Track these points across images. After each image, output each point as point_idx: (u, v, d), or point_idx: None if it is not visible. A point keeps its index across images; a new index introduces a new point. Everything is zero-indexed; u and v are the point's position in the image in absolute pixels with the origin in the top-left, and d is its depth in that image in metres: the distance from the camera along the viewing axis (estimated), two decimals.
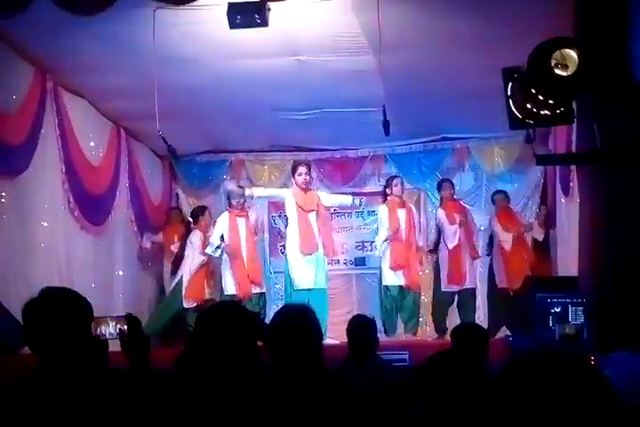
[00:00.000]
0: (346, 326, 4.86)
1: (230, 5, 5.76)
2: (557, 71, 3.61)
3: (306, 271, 8.19)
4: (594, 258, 5.40)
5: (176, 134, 8.01)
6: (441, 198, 9.28)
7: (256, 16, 5.80)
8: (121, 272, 8.92)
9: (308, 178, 8.34)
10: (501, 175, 10.18)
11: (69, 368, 2.21)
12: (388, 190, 8.83)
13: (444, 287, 8.82)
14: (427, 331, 9.41)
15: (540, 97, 3.67)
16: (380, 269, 8.84)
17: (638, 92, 4.67)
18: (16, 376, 2.28)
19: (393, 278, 8.60)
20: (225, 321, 2.32)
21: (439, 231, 9.05)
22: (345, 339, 4.83)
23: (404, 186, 8.96)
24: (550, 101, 3.68)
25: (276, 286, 9.82)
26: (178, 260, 8.89)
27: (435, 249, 9.05)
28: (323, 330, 4.18)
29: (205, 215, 9.01)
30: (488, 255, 9.17)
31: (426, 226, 10.15)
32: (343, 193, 10.52)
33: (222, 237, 8.42)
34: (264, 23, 5.88)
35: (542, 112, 3.78)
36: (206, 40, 6.66)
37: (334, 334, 7.23)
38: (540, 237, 9.23)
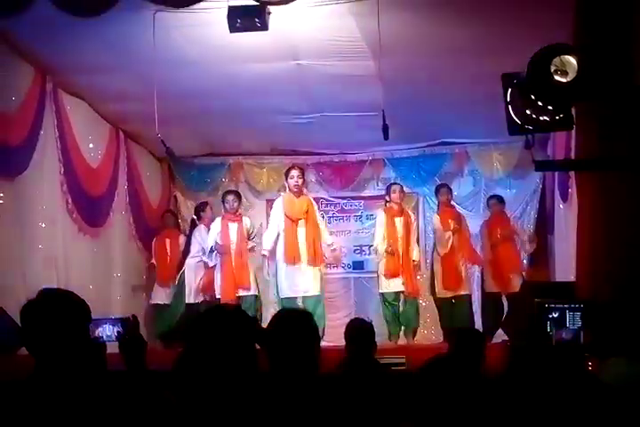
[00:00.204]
0: (344, 330, 4.86)
1: (230, 9, 5.77)
2: (557, 77, 3.61)
3: (292, 280, 8.21)
4: (591, 264, 5.41)
5: (175, 137, 8.03)
6: (438, 203, 9.29)
7: (256, 20, 5.81)
8: (119, 274, 8.91)
9: (300, 182, 8.35)
10: (500, 181, 10.20)
11: (67, 370, 2.21)
12: (387, 197, 8.87)
13: (439, 293, 8.84)
14: (425, 335, 9.41)
15: (540, 103, 3.67)
16: (377, 275, 8.85)
17: (638, 98, 4.68)
18: (13, 377, 2.28)
19: (389, 285, 8.60)
20: (222, 324, 2.32)
21: (434, 237, 9.10)
22: (342, 342, 4.83)
23: (404, 193, 8.95)
24: (549, 107, 3.68)
25: (275, 290, 9.79)
26: (183, 255, 9.07)
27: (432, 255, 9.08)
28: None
29: (207, 211, 9.24)
30: None
31: (424, 231, 10.17)
32: (342, 197, 10.58)
33: (216, 243, 8.48)
34: (264, 27, 5.90)
35: (541, 118, 3.78)
36: (206, 43, 6.67)
37: (332, 338, 7.22)
38: (527, 251, 9.20)
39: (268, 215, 10.17)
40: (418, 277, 8.94)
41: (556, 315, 5.61)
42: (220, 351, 2.24)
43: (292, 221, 8.34)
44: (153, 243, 9.63)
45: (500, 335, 8.51)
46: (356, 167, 10.61)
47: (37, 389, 2.18)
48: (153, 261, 9.56)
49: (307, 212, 8.35)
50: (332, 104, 8.48)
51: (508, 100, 3.92)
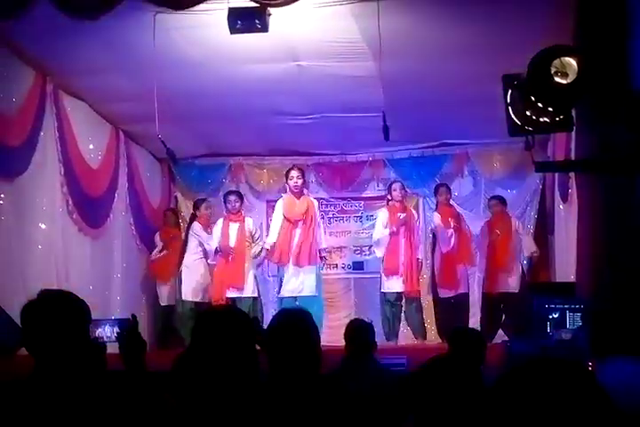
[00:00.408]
0: (344, 330, 4.87)
1: (231, 10, 5.78)
2: (557, 79, 3.62)
3: (290, 279, 8.23)
4: (592, 264, 5.41)
5: (175, 138, 8.03)
6: (437, 203, 9.29)
7: (256, 21, 5.82)
8: (119, 275, 8.92)
9: (299, 182, 8.38)
10: (500, 181, 10.19)
11: (67, 371, 2.22)
12: (389, 196, 8.87)
13: (441, 293, 8.85)
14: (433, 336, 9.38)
15: (540, 104, 3.68)
16: (380, 275, 8.85)
17: (638, 100, 4.68)
18: (13, 377, 2.29)
19: (390, 285, 8.60)
20: (223, 325, 2.33)
21: (434, 235, 9.09)
22: (342, 343, 4.83)
23: (405, 191, 8.96)
24: (550, 109, 3.69)
25: (274, 290, 9.80)
26: (181, 253, 9.05)
27: (432, 253, 9.08)
28: None
29: (202, 208, 9.13)
30: None
31: (424, 231, 10.16)
32: (342, 198, 10.57)
33: (219, 244, 8.53)
34: (264, 28, 5.90)
35: (542, 119, 3.79)
36: (207, 45, 6.68)
37: (332, 338, 7.23)
38: (532, 253, 9.19)
39: (268, 216, 10.19)
40: (420, 278, 8.87)
41: (556, 315, 5.62)
42: (219, 352, 2.25)
43: (289, 222, 8.36)
44: (155, 238, 9.66)
45: (500, 336, 8.52)
46: (356, 168, 10.60)
47: (37, 389, 2.18)
48: (152, 257, 9.56)
49: (306, 213, 8.36)
50: (333, 105, 8.48)
51: (509, 101, 3.93)
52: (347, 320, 5.63)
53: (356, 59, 7.04)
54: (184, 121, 8.59)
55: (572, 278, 6.28)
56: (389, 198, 8.89)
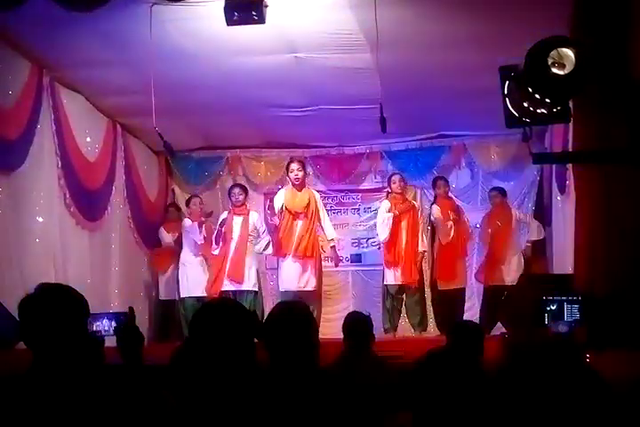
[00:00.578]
0: (342, 323, 4.87)
1: (227, 2, 5.77)
2: (554, 70, 3.61)
3: (291, 273, 8.24)
4: (589, 256, 5.42)
5: (172, 130, 8.02)
6: (435, 196, 9.29)
7: (253, 13, 5.80)
8: (117, 268, 8.91)
9: (300, 174, 8.37)
10: (497, 173, 10.18)
11: (65, 365, 2.22)
12: (388, 188, 8.89)
13: (440, 285, 8.86)
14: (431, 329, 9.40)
15: (537, 96, 3.67)
16: (381, 267, 8.87)
17: (635, 91, 4.68)
18: (12, 371, 2.28)
19: (392, 277, 8.61)
20: (221, 318, 2.32)
21: (433, 228, 9.09)
22: (340, 335, 4.84)
23: (405, 183, 8.95)
24: (547, 100, 3.68)
25: (272, 283, 9.81)
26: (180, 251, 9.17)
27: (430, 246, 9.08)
28: None
29: (191, 204, 9.29)
30: None
31: (423, 223, 10.15)
32: (339, 190, 10.57)
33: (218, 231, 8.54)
34: (261, 20, 5.89)
35: (539, 111, 3.78)
36: (203, 36, 6.66)
37: (330, 331, 7.24)
38: (536, 237, 9.20)
39: (265, 208, 10.19)
40: (416, 269, 8.84)
41: (554, 307, 5.63)
42: (218, 345, 2.25)
43: (291, 214, 8.36)
44: (160, 233, 9.70)
45: (499, 328, 8.53)
46: (354, 160, 10.59)
47: (35, 383, 2.18)
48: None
49: (307, 205, 8.36)
50: (330, 97, 8.46)
51: (506, 92, 3.92)
52: (345, 313, 5.64)
53: (354, 50, 7.03)
54: (181, 114, 8.58)
55: (570, 270, 6.28)
56: (389, 191, 8.90)
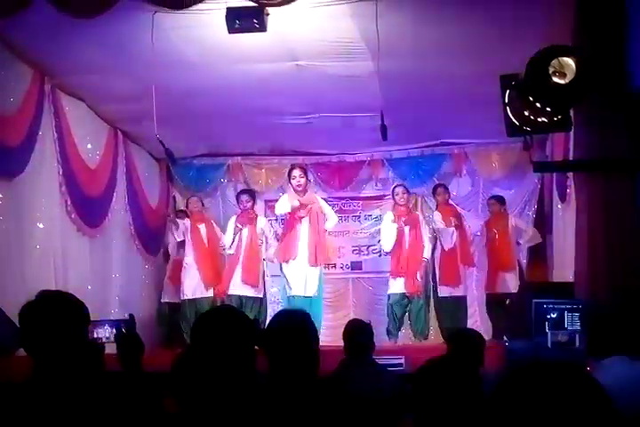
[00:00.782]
0: (342, 330, 4.87)
1: (229, 10, 5.78)
2: (555, 79, 3.62)
3: (296, 278, 8.26)
4: (590, 264, 5.41)
5: (173, 137, 8.03)
6: (437, 203, 9.32)
7: (254, 21, 5.82)
8: (117, 275, 8.91)
9: (302, 181, 8.39)
10: (498, 181, 10.19)
11: (65, 372, 2.22)
12: (392, 200, 8.93)
13: (441, 292, 8.86)
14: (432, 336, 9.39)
15: (538, 104, 3.69)
16: (383, 275, 8.90)
17: (635, 100, 4.69)
18: (11, 378, 2.29)
19: (395, 286, 8.62)
20: (222, 325, 2.33)
21: (435, 235, 9.11)
22: (341, 343, 4.83)
23: (408, 194, 8.96)
24: (548, 109, 3.69)
25: (272, 290, 9.81)
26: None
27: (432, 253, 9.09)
28: None
29: (189, 205, 9.36)
30: None
31: (425, 230, 10.14)
32: (340, 197, 10.58)
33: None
34: (262, 28, 5.90)
35: (540, 119, 3.80)
36: (205, 44, 6.67)
37: (331, 338, 7.24)
38: (532, 241, 9.22)
39: (266, 215, 10.20)
40: (419, 278, 8.83)
41: (554, 315, 5.62)
42: (218, 353, 2.25)
43: (294, 219, 8.38)
44: (167, 240, 9.75)
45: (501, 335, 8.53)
46: (355, 168, 10.60)
47: (36, 390, 2.18)
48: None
49: (310, 210, 8.38)
50: (331, 104, 8.47)
51: (507, 101, 3.94)
52: (345, 320, 5.63)
53: (355, 58, 7.04)
54: (182, 121, 8.59)
55: (571, 278, 6.27)
56: (393, 202, 8.94)
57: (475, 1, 6.04)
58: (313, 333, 2.72)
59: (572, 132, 5.47)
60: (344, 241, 10.54)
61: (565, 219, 7.64)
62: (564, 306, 5.65)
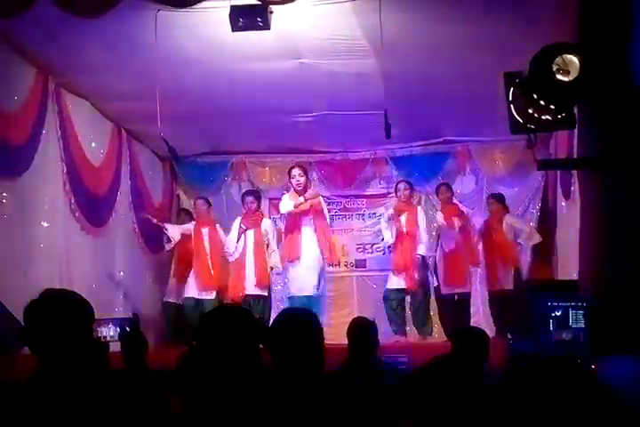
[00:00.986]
0: (346, 328, 4.87)
1: (233, 8, 5.78)
2: (559, 77, 3.61)
3: (296, 277, 8.26)
4: (594, 262, 5.41)
5: (177, 136, 8.03)
6: (440, 203, 9.33)
7: (258, 19, 5.82)
8: (122, 273, 8.92)
9: (302, 180, 8.38)
10: (502, 179, 10.19)
11: (70, 370, 2.22)
12: (395, 196, 8.93)
13: (443, 291, 8.86)
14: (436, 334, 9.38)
15: (542, 102, 3.68)
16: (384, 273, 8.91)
17: (639, 97, 4.68)
18: (16, 377, 2.29)
19: (394, 282, 8.63)
20: (227, 324, 2.33)
21: (438, 234, 9.11)
22: (345, 341, 4.84)
23: (409, 190, 8.94)
24: (552, 107, 3.68)
25: (276, 289, 9.80)
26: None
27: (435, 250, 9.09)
28: None
29: (196, 206, 9.35)
30: None
31: (427, 228, 10.13)
32: (344, 196, 10.59)
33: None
34: (266, 26, 5.90)
35: (544, 117, 3.78)
36: (208, 43, 6.67)
37: (335, 336, 7.24)
38: (533, 241, 9.21)
39: (270, 214, 10.20)
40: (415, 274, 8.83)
41: (558, 313, 5.61)
42: (223, 351, 2.25)
43: (294, 219, 8.38)
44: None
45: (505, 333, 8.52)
46: (359, 166, 10.59)
47: (40, 389, 2.19)
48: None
49: (309, 210, 8.37)
50: (335, 102, 8.48)
51: (510, 99, 3.93)
52: (349, 318, 5.63)
53: (358, 56, 7.04)
54: (186, 119, 8.58)
55: (575, 276, 6.27)
56: (396, 198, 8.96)
57: None
58: (318, 331, 2.72)
59: (575, 130, 5.47)
60: (348, 239, 10.54)
61: (569, 216, 7.63)
62: (568, 304, 5.65)
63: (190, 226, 9.13)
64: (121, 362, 3.09)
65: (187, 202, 10.65)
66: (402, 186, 8.88)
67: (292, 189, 8.52)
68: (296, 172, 8.45)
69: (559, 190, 8.35)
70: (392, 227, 8.69)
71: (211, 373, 2.24)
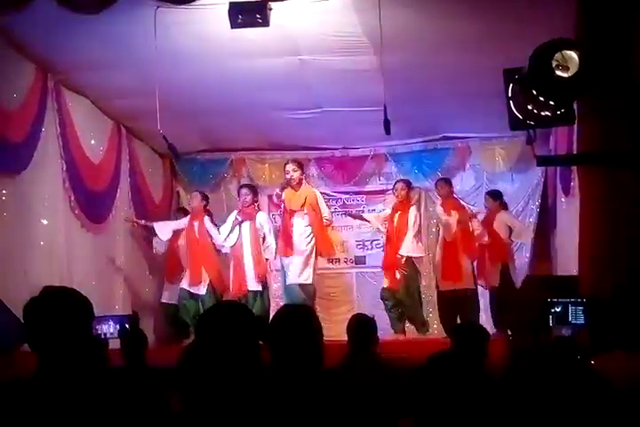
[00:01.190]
0: (346, 325, 4.87)
1: (232, 5, 5.77)
2: (558, 72, 3.61)
3: (291, 269, 8.29)
4: (594, 258, 5.41)
5: (177, 133, 8.02)
6: (440, 198, 9.33)
7: (257, 16, 5.81)
8: (121, 270, 8.92)
9: (295, 175, 8.40)
10: (502, 175, 10.18)
11: (70, 368, 2.22)
12: (393, 195, 9.00)
13: (441, 286, 8.87)
14: (434, 330, 9.38)
15: (541, 98, 3.68)
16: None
17: (638, 93, 4.68)
18: (16, 374, 2.29)
19: (384, 281, 8.83)
20: (227, 320, 2.33)
21: (438, 229, 9.16)
22: (345, 337, 4.84)
23: (407, 190, 8.94)
24: (551, 103, 3.68)
25: (275, 285, 9.80)
26: None
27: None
28: None
29: (191, 200, 9.31)
30: None
31: (426, 226, 10.14)
32: (344, 192, 10.59)
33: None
34: (265, 23, 5.90)
35: (543, 113, 3.79)
36: (208, 39, 6.66)
37: (335, 333, 7.25)
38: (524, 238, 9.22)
39: (269, 210, 10.19)
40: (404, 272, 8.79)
41: (558, 309, 5.61)
42: (223, 348, 2.25)
43: (287, 213, 8.42)
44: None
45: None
46: (358, 162, 10.59)
47: (41, 386, 2.19)
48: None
49: (304, 204, 8.38)
50: (334, 99, 8.47)
51: (510, 95, 3.93)
52: (349, 315, 5.64)
53: (358, 52, 7.03)
54: (186, 116, 8.59)
55: (575, 272, 6.27)
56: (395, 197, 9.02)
57: None
58: (317, 328, 2.72)
59: (575, 126, 5.46)
60: (348, 236, 10.55)
61: (569, 212, 7.63)
62: (568, 300, 5.64)
63: (185, 220, 9.12)
64: (120, 359, 3.10)
65: (186, 199, 10.63)
66: (399, 186, 8.90)
67: (288, 184, 8.51)
68: (289, 167, 8.46)
69: (559, 186, 8.35)
70: (383, 217, 8.89)
71: (211, 369, 2.24)
